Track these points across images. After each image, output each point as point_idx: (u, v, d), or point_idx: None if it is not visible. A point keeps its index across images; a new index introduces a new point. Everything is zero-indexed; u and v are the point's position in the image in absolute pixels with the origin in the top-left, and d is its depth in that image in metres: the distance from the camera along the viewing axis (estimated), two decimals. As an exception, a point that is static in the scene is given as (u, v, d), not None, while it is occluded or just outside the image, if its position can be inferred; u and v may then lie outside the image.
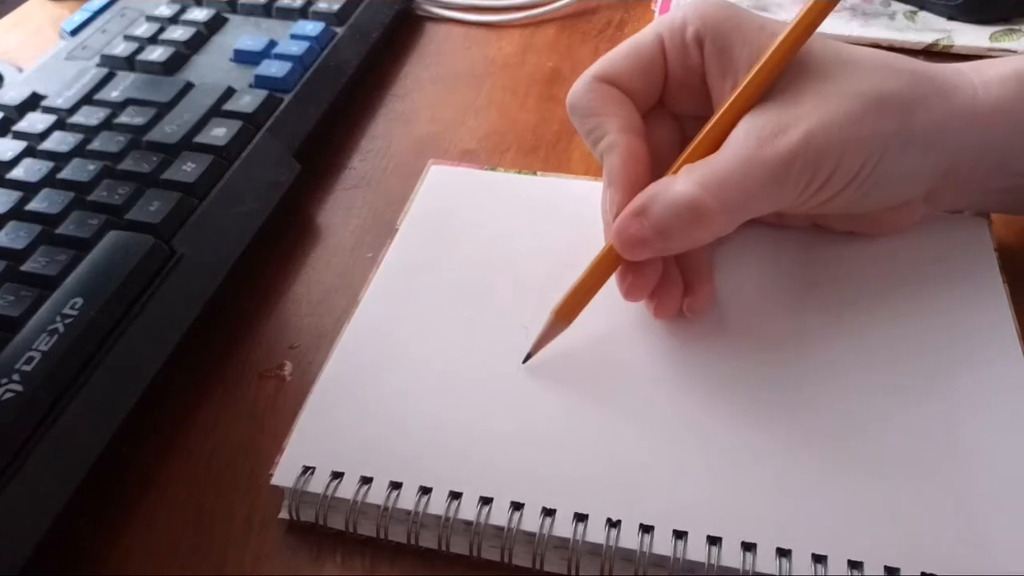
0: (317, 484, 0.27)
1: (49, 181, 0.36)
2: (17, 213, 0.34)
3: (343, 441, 0.28)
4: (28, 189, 0.35)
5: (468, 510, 0.26)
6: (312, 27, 0.45)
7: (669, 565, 0.25)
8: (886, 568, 0.24)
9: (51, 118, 0.39)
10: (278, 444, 0.28)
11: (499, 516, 0.26)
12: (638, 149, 0.30)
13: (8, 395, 0.28)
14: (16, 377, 0.28)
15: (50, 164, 0.37)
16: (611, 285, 0.30)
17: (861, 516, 0.25)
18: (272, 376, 0.32)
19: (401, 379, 0.30)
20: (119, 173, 0.36)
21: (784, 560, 0.24)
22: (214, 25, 0.46)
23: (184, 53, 0.44)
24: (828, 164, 0.27)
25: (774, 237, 0.33)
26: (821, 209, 0.29)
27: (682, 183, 0.28)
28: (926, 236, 0.33)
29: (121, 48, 0.44)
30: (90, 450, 0.28)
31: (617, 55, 0.31)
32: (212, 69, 0.44)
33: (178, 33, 0.45)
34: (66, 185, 0.36)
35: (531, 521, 0.26)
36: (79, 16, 0.48)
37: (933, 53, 0.45)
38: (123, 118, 0.39)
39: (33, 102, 0.41)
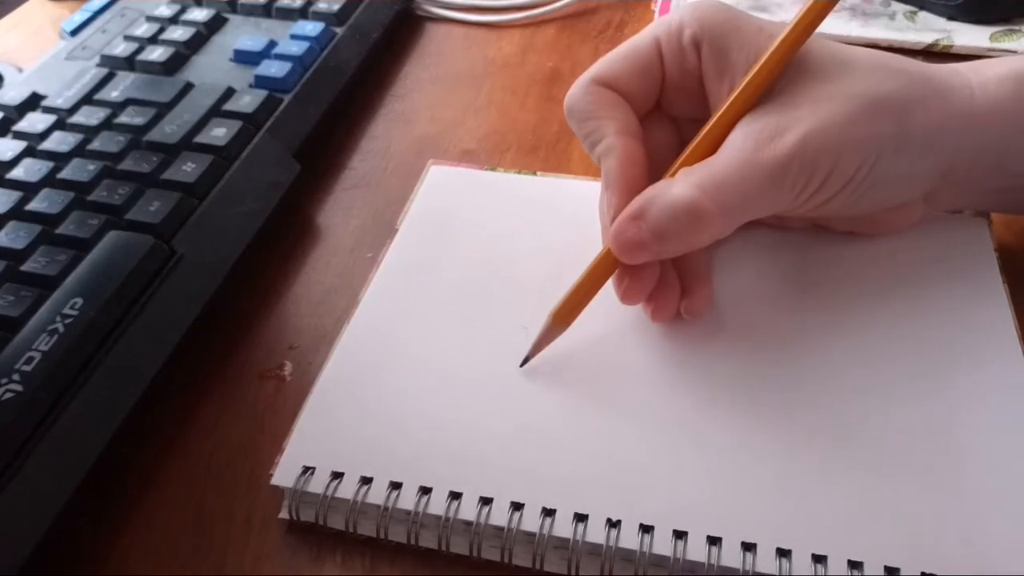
0: (317, 484, 0.27)
1: (49, 181, 0.36)
2: (17, 213, 0.34)
3: (343, 441, 0.28)
4: (28, 189, 0.35)
5: (468, 510, 0.26)
6: (312, 27, 0.45)
7: (669, 565, 0.25)
8: (886, 568, 0.24)
9: (51, 118, 0.39)
10: (278, 444, 0.28)
11: (499, 516, 0.26)
12: (635, 152, 0.30)
13: (8, 395, 0.28)
14: (16, 377, 0.28)
15: (50, 164, 0.37)
16: (610, 286, 0.30)
17: (861, 516, 0.25)
18: (272, 376, 0.32)
19: (401, 379, 0.30)
20: (119, 173, 0.36)
21: (784, 560, 0.24)
22: (214, 25, 0.46)
23: (184, 53, 0.44)
24: (824, 167, 0.27)
25: (773, 237, 0.33)
26: (819, 211, 0.29)
27: (680, 186, 0.28)
28: (926, 236, 0.33)
29: (121, 48, 0.44)
30: (90, 450, 0.28)
31: (614, 58, 0.31)
32: (212, 69, 0.44)
33: (178, 33, 0.45)
34: (66, 185, 0.36)
35: (531, 521, 0.26)
36: (79, 16, 0.48)
37: (933, 53, 0.45)
38: (123, 118, 0.39)
39: (33, 102, 0.41)
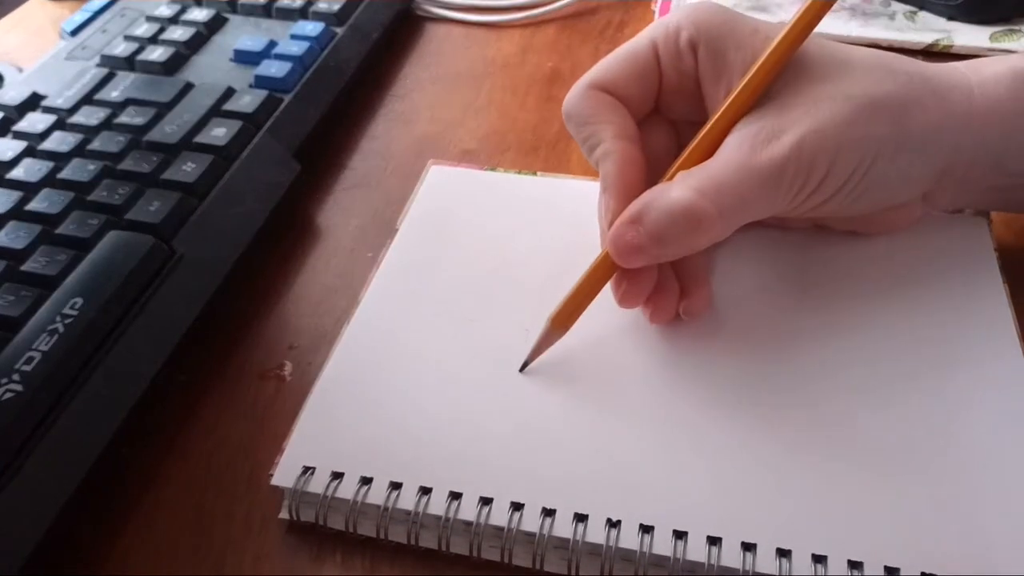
0: (317, 484, 0.27)
1: (49, 181, 0.36)
2: (17, 213, 0.34)
3: (343, 441, 0.28)
4: (28, 189, 0.35)
5: (468, 510, 0.26)
6: (312, 27, 0.45)
7: (669, 565, 0.25)
8: (886, 568, 0.24)
9: (51, 118, 0.39)
10: (278, 444, 0.28)
11: (499, 516, 0.26)
12: (633, 156, 0.30)
13: (8, 395, 0.28)
14: (16, 377, 0.28)
15: (50, 164, 0.37)
16: (608, 289, 0.30)
17: (861, 516, 0.25)
18: (272, 376, 0.32)
19: (401, 379, 0.30)
20: (119, 173, 0.36)
21: (784, 560, 0.24)
22: (214, 25, 0.46)
23: (184, 53, 0.44)
24: (821, 169, 0.27)
25: (773, 238, 0.33)
26: (817, 212, 0.29)
27: (678, 189, 0.28)
28: (926, 236, 0.33)
29: (121, 48, 0.44)
30: (90, 450, 0.28)
31: (611, 62, 0.31)
32: (212, 69, 0.44)
33: (178, 33, 0.45)
34: (66, 185, 0.36)
35: (531, 521, 0.26)
36: (79, 16, 0.48)
37: (933, 53, 0.45)
38: (123, 118, 0.39)
39: (33, 102, 0.41)
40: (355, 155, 0.42)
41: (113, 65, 0.43)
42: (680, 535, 0.25)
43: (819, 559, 0.24)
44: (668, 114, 0.32)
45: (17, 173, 0.36)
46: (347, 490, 0.27)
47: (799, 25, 0.28)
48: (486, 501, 0.26)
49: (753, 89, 0.28)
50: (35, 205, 0.35)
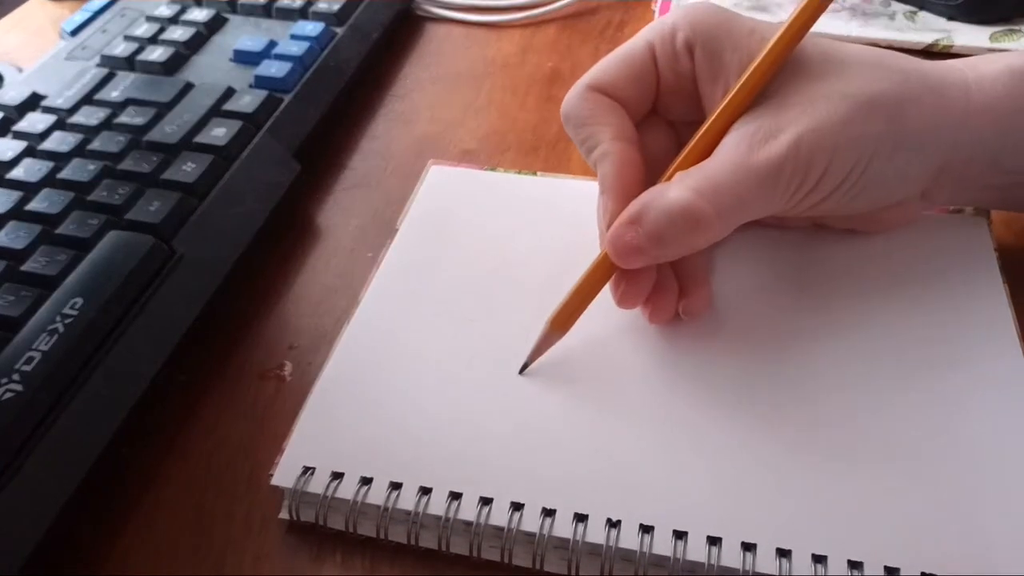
0: (317, 484, 0.27)
1: (49, 181, 0.36)
2: (17, 213, 0.34)
3: (343, 441, 0.28)
4: (28, 189, 0.35)
5: (468, 510, 0.26)
6: (312, 27, 0.45)
7: (669, 565, 0.25)
8: (886, 568, 0.24)
9: (51, 118, 0.39)
10: (278, 444, 0.28)
11: (499, 516, 0.26)
12: (631, 157, 0.30)
13: (8, 395, 0.28)
14: (16, 377, 0.28)
15: (50, 164, 0.37)
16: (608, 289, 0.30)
17: (861, 516, 0.25)
18: (272, 376, 0.32)
19: (401, 379, 0.30)
20: (119, 173, 0.36)
21: (784, 560, 0.24)
22: (214, 25, 0.46)
23: (184, 53, 0.44)
24: (818, 167, 0.27)
25: (772, 237, 0.33)
26: (815, 211, 0.29)
27: (676, 189, 0.28)
28: (926, 236, 0.33)
29: (121, 48, 0.44)
30: (90, 450, 0.28)
31: (609, 64, 0.31)
32: (212, 69, 0.44)
33: (178, 33, 0.45)
34: (66, 185, 0.36)
35: (531, 521, 0.26)
36: (79, 16, 0.48)
37: (933, 53, 0.45)
38: (123, 118, 0.39)
39: (33, 102, 0.41)
40: (355, 155, 0.42)
41: (113, 65, 0.43)
42: (680, 535, 0.25)
43: (819, 559, 0.24)
44: (666, 115, 0.32)
45: (17, 173, 0.36)
46: (347, 490, 0.27)
47: (795, 25, 0.28)
48: (486, 501, 0.26)
49: (750, 89, 0.28)
50: (35, 205, 0.35)
